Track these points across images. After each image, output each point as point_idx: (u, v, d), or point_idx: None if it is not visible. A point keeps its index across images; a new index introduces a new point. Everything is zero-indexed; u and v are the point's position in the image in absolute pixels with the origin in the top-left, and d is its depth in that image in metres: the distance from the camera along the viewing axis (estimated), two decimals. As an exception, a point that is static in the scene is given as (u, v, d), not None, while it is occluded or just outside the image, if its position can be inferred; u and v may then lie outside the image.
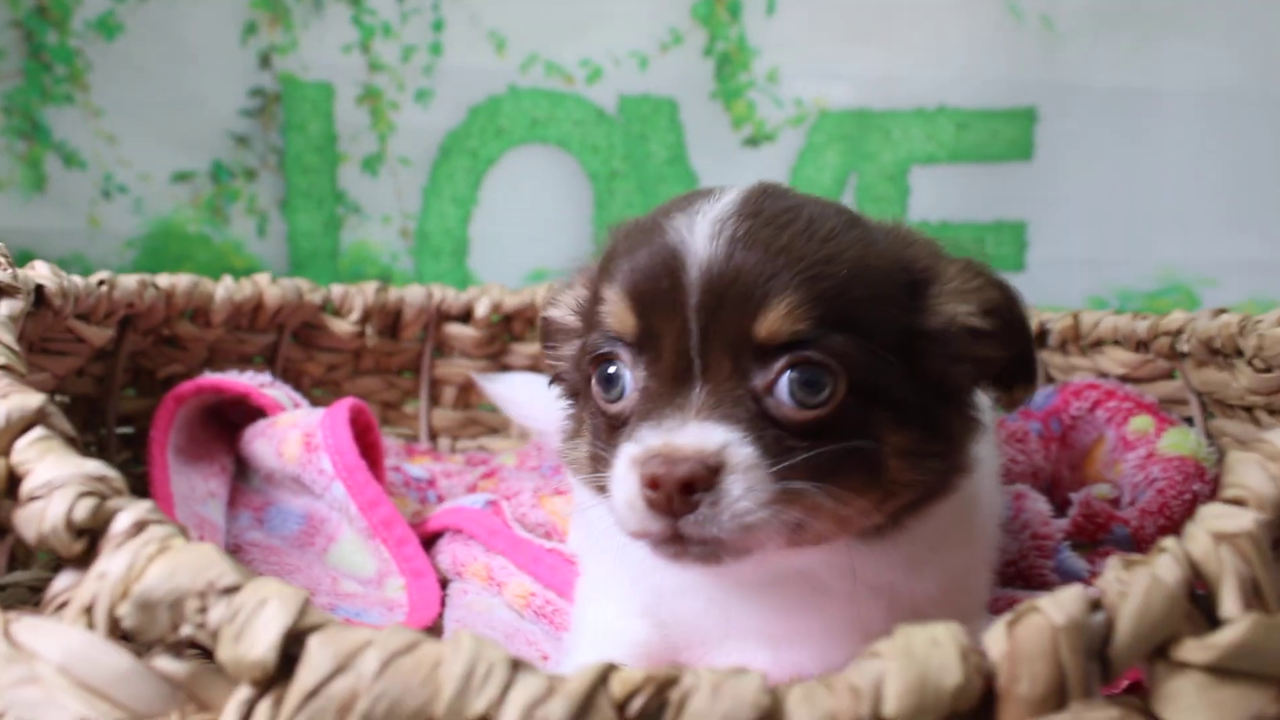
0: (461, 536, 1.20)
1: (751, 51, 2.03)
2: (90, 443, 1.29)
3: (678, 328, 0.76)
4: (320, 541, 1.22)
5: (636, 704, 0.47)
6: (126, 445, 1.34)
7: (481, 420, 1.64)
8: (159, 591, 0.51)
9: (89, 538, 0.54)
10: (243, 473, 1.31)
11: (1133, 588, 0.52)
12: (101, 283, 1.16)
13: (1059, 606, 0.51)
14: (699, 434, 0.72)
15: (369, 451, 1.24)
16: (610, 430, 0.80)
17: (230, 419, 1.32)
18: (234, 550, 1.18)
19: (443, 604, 1.12)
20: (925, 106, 2.03)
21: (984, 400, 0.87)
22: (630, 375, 0.79)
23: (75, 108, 2.00)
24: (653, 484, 0.71)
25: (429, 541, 1.23)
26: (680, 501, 0.71)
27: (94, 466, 0.56)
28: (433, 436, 1.66)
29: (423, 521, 1.25)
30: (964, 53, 2.01)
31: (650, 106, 2.04)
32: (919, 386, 0.77)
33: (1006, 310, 0.81)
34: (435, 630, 1.07)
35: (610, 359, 0.80)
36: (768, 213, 0.78)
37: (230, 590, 0.51)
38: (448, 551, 1.19)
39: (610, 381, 0.80)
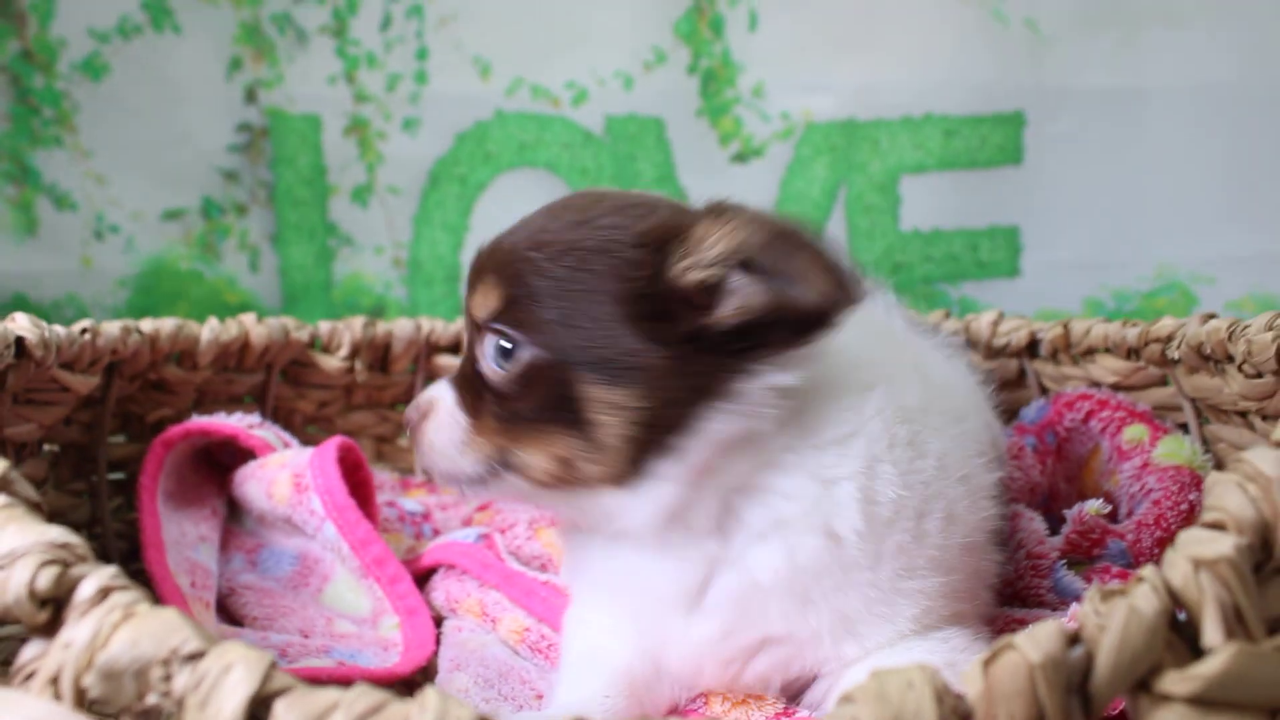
0: (455, 572, 1.19)
1: (736, 67, 2.02)
2: (81, 490, 1.28)
3: None
4: (314, 582, 1.21)
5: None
6: (119, 491, 1.33)
7: (477, 451, 1.62)
8: (123, 660, 0.50)
9: (53, 606, 0.54)
10: (235, 515, 1.29)
11: (1111, 620, 0.51)
12: (84, 331, 1.15)
13: (1035, 643, 0.50)
14: (432, 389, 0.96)
15: (359, 489, 1.22)
16: None
17: (220, 460, 1.31)
18: (228, 593, 1.17)
19: (438, 642, 1.12)
20: (912, 114, 2.02)
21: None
22: None
23: (64, 150, 2.00)
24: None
25: (423, 578, 1.22)
26: (412, 437, 0.95)
27: (57, 533, 0.56)
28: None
29: (416, 558, 1.24)
30: (949, 59, 2.00)
31: (637, 126, 2.04)
32: (662, 344, 0.81)
33: (758, 251, 0.78)
34: (430, 669, 1.06)
35: None
36: (533, 215, 0.91)
37: (194, 657, 0.50)
38: (441, 588, 1.18)
39: None
